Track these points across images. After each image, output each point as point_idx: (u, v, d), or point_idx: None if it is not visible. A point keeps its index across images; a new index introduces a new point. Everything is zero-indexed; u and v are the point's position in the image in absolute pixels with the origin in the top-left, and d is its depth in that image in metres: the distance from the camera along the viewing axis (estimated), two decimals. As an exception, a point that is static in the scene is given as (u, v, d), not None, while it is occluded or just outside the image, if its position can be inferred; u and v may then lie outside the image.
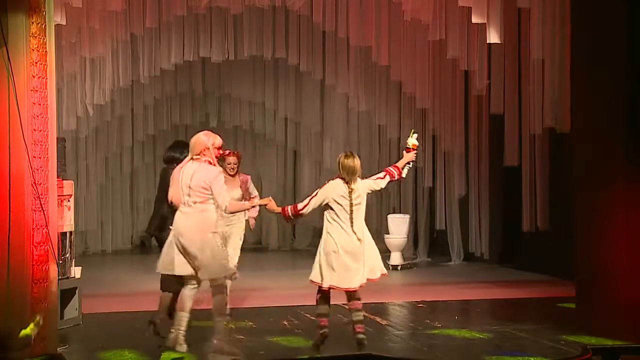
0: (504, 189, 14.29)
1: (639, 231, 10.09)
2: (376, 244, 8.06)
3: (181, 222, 7.24)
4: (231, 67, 16.25)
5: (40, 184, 7.05)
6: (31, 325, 6.36)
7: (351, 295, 7.67)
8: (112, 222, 17.23)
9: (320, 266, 7.55)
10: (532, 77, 11.83)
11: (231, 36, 14.30)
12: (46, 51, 7.21)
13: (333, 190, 7.48)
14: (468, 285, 12.11)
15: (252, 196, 9.29)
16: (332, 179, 7.58)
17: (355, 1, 13.43)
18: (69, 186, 8.79)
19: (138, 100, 16.33)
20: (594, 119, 10.55)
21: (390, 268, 13.82)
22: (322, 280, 7.54)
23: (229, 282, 8.93)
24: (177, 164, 7.64)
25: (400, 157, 8.13)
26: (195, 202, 7.22)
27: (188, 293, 7.32)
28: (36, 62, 7.09)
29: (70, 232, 8.84)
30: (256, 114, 17.35)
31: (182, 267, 7.27)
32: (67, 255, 8.73)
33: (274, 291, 11.07)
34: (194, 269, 7.26)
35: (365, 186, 7.59)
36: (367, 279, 7.73)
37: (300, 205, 7.55)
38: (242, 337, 8.35)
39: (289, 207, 7.61)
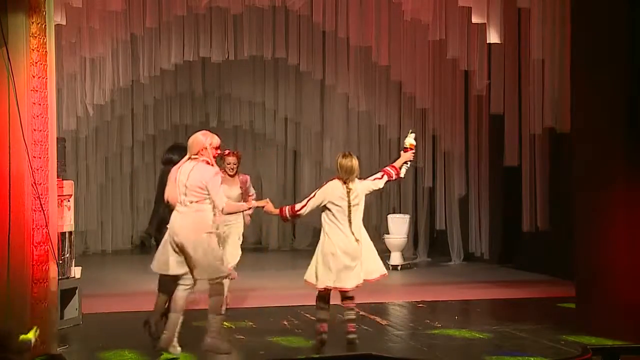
0: (504, 189, 14.29)
1: (638, 231, 10.09)
2: (376, 244, 8.05)
3: (177, 222, 7.23)
4: (231, 67, 16.25)
5: (40, 184, 7.05)
6: (32, 332, 6.35)
7: (345, 294, 7.67)
8: (112, 222, 17.23)
9: (316, 267, 7.54)
10: (532, 77, 11.83)
11: (231, 36, 14.30)
12: (46, 51, 7.21)
13: (331, 191, 7.46)
14: (468, 285, 12.10)
15: (249, 194, 9.27)
16: (331, 180, 7.56)
17: (355, 1, 13.43)
18: (69, 186, 8.79)
19: (138, 100, 16.33)
20: (594, 119, 10.55)
21: (390, 268, 13.81)
22: (316, 281, 7.53)
23: (227, 282, 8.94)
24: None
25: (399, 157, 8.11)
26: (191, 202, 7.19)
27: (180, 294, 7.28)
28: (36, 62, 7.09)
29: (70, 232, 8.83)
30: (256, 114, 17.35)
31: (176, 267, 7.24)
32: (67, 255, 8.73)
33: (274, 291, 11.07)
34: (190, 268, 7.24)
35: (363, 187, 7.58)
36: (364, 280, 7.70)
37: (298, 207, 7.53)
38: (242, 337, 8.35)
39: (287, 207, 7.59)
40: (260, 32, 14.45)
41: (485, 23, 10.91)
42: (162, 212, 7.87)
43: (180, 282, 7.28)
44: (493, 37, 10.93)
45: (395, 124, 15.09)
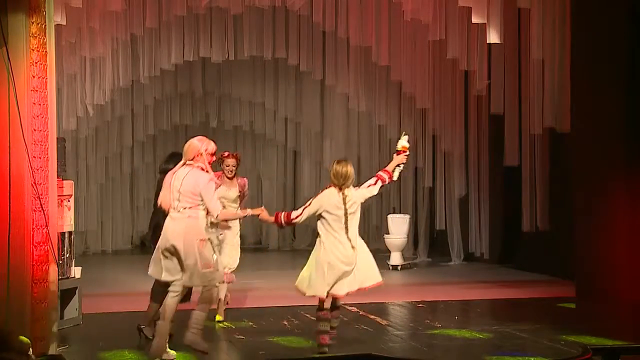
0: (504, 189, 14.29)
1: (638, 231, 10.10)
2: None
3: (169, 227, 7.17)
4: (231, 67, 16.26)
5: (40, 184, 7.04)
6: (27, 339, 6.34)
7: (335, 302, 7.58)
8: (112, 222, 17.23)
9: (310, 274, 7.44)
10: (532, 77, 11.83)
11: (231, 36, 14.29)
12: (46, 51, 7.20)
13: (327, 200, 7.39)
14: (468, 285, 12.10)
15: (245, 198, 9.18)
16: (326, 188, 7.50)
17: (355, 1, 13.43)
18: (69, 186, 8.79)
19: (138, 100, 16.33)
20: (594, 119, 10.57)
21: (390, 268, 13.83)
22: (308, 289, 7.46)
23: (225, 286, 8.95)
24: None
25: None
26: (184, 208, 7.14)
27: (170, 301, 7.20)
28: (36, 62, 7.08)
29: (70, 232, 8.83)
30: (256, 114, 17.35)
31: (167, 274, 7.20)
32: (67, 255, 8.72)
33: (274, 291, 11.07)
34: (179, 275, 7.18)
35: (359, 195, 7.52)
36: (359, 288, 7.62)
37: (293, 215, 7.45)
38: (242, 337, 8.35)
39: (282, 214, 7.51)
40: (260, 32, 14.45)
41: (485, 23, 10.91)
42: (158, 219, 7.77)
43: (170, 288, 7.23)
44: (493, 37, 10.93)
45: (395, 124, 15.10)
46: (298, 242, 17.38)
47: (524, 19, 11.89)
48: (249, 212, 7.70)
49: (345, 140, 16.71)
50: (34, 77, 7.06)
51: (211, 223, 7.23)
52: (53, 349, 7.22)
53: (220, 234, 8.69)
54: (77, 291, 8.82)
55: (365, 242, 7.42)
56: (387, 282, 12.76)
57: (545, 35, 11.18)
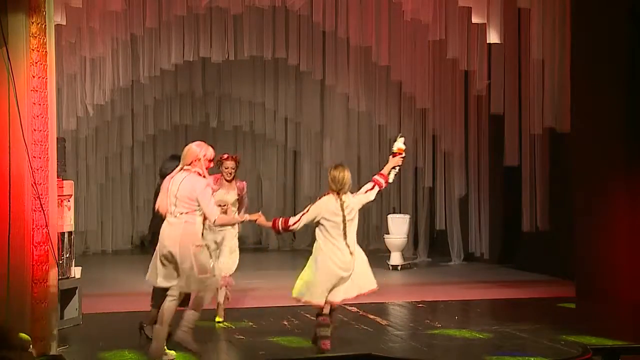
0: (504, 189, 14.29)
1: (638, 231, 10.10)
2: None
3: (165, 232, 7.16)
4: (231, 67, 16.26)
5: (40, 184, 7.04)
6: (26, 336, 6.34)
7: (330, 308, 7.56)
8: (112, 222, 17.24)
9: (307, 281, 7.44)
10: (532, 77, 11.83)
11: (231, 36, 14.29)
12: (46, 51, 7.20)
13: (325, 207, 7.38)
14: (468, 285, 12.10)
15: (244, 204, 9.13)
16: (324, 195, 7.49)
17: (355, 1, 13.43)
18: (69, 186, 8.79)
19: (138, 100, 16.33)
20: (594, 119, 10.57)
21: (390, 268, 13.84)
22: (303, 295, 7.46)
23: (223, 289, 8.95)
24: None
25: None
26: (181, 213, 7.12)
27: (167, 305, 7.18)
28: (36, 62, 7.08)
29: (70, 232, 8.82)
30: (256, 114, 17.36)
31: (164, 280, 7.19)
32: (67, 255, 8.72)
33: (274, 291, 11.07)
34: (175, 281, 7.16)
35: (357, 202, 7.50)
36: (357, 294, 7.61)
37: (291, 221, 7.42)
38: (242, 337, 8.35)
39: (280, 220, 7.48)
40: (260, 32, 14.45)
41: (485, 23, 10.92)
42: (157, 222, 7.75)
43: (169, 292, 7.22)
44: (493, 37, 10.93)
45: (395, 124, 15.09)
46: (298, 242, 17.37)
47: (524, 19, 11.89)
48: (247, 217, 7.69)
49: (345, 140, 16.71)
50: (34, 77, 7.05)
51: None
52: (53, 349, 7.22)
53: (220, 231, 8.70)
54: (77, 291, 8.81)
55: (365, 242, 7.44)
56: (387, 282, 12.85)
57: (545, 35, 11.18)
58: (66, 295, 8.60)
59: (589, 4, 10.67)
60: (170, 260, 7.11)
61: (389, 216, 14.83)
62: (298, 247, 17.11)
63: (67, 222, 8.72)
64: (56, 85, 7.78)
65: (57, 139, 7.62)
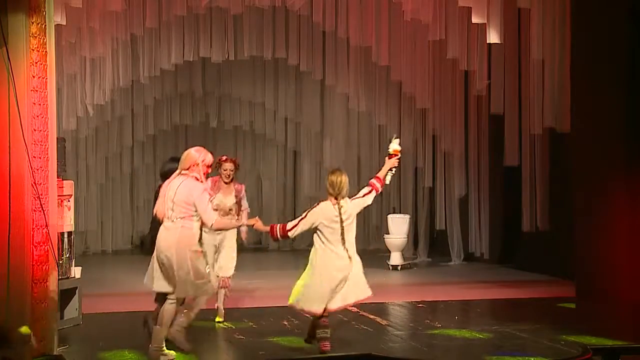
0: (504, 189, 14.29)
1: (638, 231, 10.11)
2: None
3: (162, 237, 7.16)
4: (231, 67, 16.26)
5: (40, 184, 7.04)
6: (25, 328, 6.35)
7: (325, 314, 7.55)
8: (112, 222, 17.24)
9: (305, 288, 7.45)
10: (532, 77, 11.83)
11: (231, 36, 14.30)
12: (46, 51, 7.20)
13: (322, 213, 7.36)
14: (468, 285, 12.10)
15: (243, 208, 9.11)
16: (322, 202, 7.48)
17: (355, 1, 13.44)
18: (69, 186, 8.79)
19: (138, 100, 16.33)
20: (594, 119, 10.57)
21: (390, 268, 13.84)
22: (302, 303, 7.45)
23: (222, 291, 8.96)
24: None
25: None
26: (178, 218, 7.12)
27: (167, 307, 7.18)
28: (36, 62, 7.08)
29: (70, 232, 8.82)
30: (256, 114, 17.36)
31: (160, 284, 7.19)
32: (67, 255, 8.72)
33: (274, 291, 11.07)
34: (172, 285, 7.15)
35: (355, 206, 7.49)
36: (355, 301, 7.59)
37: (289, 226, 7.40)
38: (242, 337, 8.35)
39: (278, 226, 7.46)
40: (260, 32, 14.45)
41: (485, 23, 10.92)
42: (156, 226, 7.74)
43: (169, 295, 7.23)
44: (493, 37, 10.93)
45: (395, 124, 15.09)
46: (298, 242, 17.33)
47: (524, 19, 11.89)
48: (244, 222, 7.70)
49: (345, 140, 16.71)
50: (34, 77, 7.06)
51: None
52: (53, 349, 7.22)
53: (219, 234, 8.70)
54: (77, 291, 8.81)
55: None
56: (387, 282, 12.86)
57: (545, 35, 11.18)
58: (66, 295, 8.60)
59: (589, 4, 10.67)
60: (166, 265, 7.10)
61: (389, 216, 14.83)
62: (298, 247, 17.09)
63: (67, 222, 8.72)
64: (56, 85, 7.79)
65: (57, 139, 7.63)
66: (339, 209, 7.34)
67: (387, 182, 7.72)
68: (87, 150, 16.36)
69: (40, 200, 7.02)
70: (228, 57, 14.37)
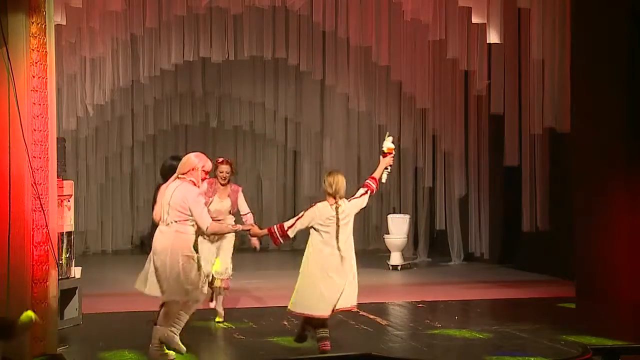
0: (504, 189, 14.29)
1: (638, 231, 10.11)
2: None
3: (157, 241, 7.16)
4: (231, 67, 16.26)
5: (40, 184, 7.04)
6: (26, 314, 6.36)
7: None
8: (112, 222, 17.23)
9: (296, 293, 7.44)
10: (532, 77, 11.84)
11: (231, 36, 14.30)
12: (46, 51, 7.20)
13: (319, 213, 7.37)
14: (468, 285, 12.10)
15: (242, 213, 9.10)
16: (319, 202, 7.49)
17: (355, 1, 13.44)
18: (69, 186, 8.78)
19: (138, 100, 16.33)
20: (594, 119, 10.57)
21: (390, 268, 13.84)
22: (294, 306, 7.44)
23: (220, 298, 8.97)
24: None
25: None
26: (172, 222, 7.11)
27: (166, 308, 7.21)
28: (36, 62, 7.08)
29: (70, 232, 8.82)
30: (256, 114, 17.35)
31: (153, 288, 7.17)
32: (67, 255, 8.71)
33: (274, 291, 11.07)
34: (161, 288, 7.13)
35: (353, 207, 7.50)
36: (350, 307, 7.59)
37: (286, 225, 7.41)
38: (242, 337, 8.35)
39: (276, 226, 7.49)
40: (260, 32, 14.45)
41: (485, 23, 10.92)
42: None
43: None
44: (493, 37, 10.93)
45: (395, 124, 15.09)
46: (298, 242, 17.23)
47: (524, 19, 11.89)
48: (239, 227, 7.70)
49: (345, 140, 16.71)
50: (34, 77, 7.05)
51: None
52: (53, 349, 7.21)
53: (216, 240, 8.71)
54: (77, 291, 8.80)
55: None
56: (387, 282, 12.87)
57: (545, 35, 11.18)
58: (66, 295, 8.58)
59: (589, 4, 10.67)
60: (159, 268, 7.09)
61: (389, 216, 14.84)
62: (298, 247, 17.05)
63: (67, 222, 8.71)
64: (56, 85, 7.78)
65: (57, 139, 7.62)
66: (337, 208, 7.35)
67: (384, 180, 7.73)
68: (87, 150, 16.36)
69: (40, 200, 7.02)
70: (228, 57, 14.37)
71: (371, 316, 9.35)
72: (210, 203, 8.67)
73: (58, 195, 7.70)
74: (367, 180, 7.68)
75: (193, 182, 7.21)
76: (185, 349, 7.26)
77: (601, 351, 7.43)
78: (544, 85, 11.56)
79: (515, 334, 8.38)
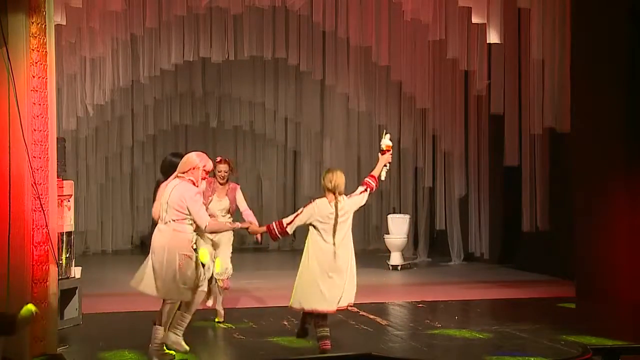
0: (504, 189, 14.29)
1: (638, 231, 10.11)
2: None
3: (155, 239, 7.16)
4: (231, 67, 16.26)
5: (40, 184, 7.04)
6: (27, 308, 6.36)
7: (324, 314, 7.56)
8: (112, 222, 17.24)
9: (294, 288, 7.46)
10: (532, 77, 11.84)
11: (231, 36, 14.30)
12: (46, 51, 7.20)
13: (318, 210, 7.39)
14: (468, 285, 12.10)
15: (242, 209, 9.09)
16: (318, 198, 7.50)
17: (355, 1, 13.44)
18: (69, 186, 8.77)
19: (138, 100, 16.33)
20: (594, 119, 10.57)
21: (390, 268, 13.84)
22: (293, 303, 7.46)
23: (220, 298, 8.97)
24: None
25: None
26: (170, 220, 7.11)
27: (165, 308, 7.21)
28: (36, 62, 7.08)
29: (70, 232, 8.82)
30: (256, 114, 17.36)
31: (148, 285, 7.16)
32: (67, 255, 8.71)
33: (274, 291, 11.07)
34: (157, 285, 7.12)
35: (352, 204, 7.51)
36: (347, 305, 7.60)
37: (285, 222, 7.43)
38: (242, 337, 8.35)
39: (274, 223, 7.51)
40: (260, 32, 14.45)
41: (485, 23, 10.92)
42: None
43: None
44: (493, 37, 10.93)
45: (395, 124, 15.09)
46: (298, 242, 17.32)
47: (524, 19, 11.89)
48: (238, 224, 7.70)
49: (345, 140, 16.71)
50: (34, 77, 7.05)
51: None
52: (53, 349, 7.21)
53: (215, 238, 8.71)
54: (77, 291, 8.79)
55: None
56: (387, 282, 12.87)
57: (545, 35, 11.18)
58: (66, 295, 8.58)
59: (589, 4, 10.67)
60: (156, 267, 7.09)
61: (389, 216, 14.83)
62: (298, 247, 17.06)
63: (67, 222, 8.70)
64: (56, 85, 7.78)
65: (57, 139, 7.62)
66: (336, 205, 7.37)
67: (383, 178, 7.75)
68: (87, 150, 16.36)
69: (40, 200, 7.02)
70: (228, 57, 14.38)
71: (371, 316, 9.36)
72: (209, 203, 8.67)
73: (58, 195, 7.70)
74: (366, 178, 7.69)
75: (192, 181, 7.21)
76: (188, 348, 7.27)
77: (601, 351, 7.42)
78: (544, 85, 11.56)
79: (515, 334, 8.38)
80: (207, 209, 7.60)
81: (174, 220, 7.09)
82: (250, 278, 12.13)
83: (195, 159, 7.29)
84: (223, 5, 13.59)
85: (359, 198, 7.57)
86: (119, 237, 17.34)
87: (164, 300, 7.23)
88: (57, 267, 7.54)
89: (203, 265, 7.41)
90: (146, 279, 7.16)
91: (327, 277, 7.37)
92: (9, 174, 6.85)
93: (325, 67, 15.11)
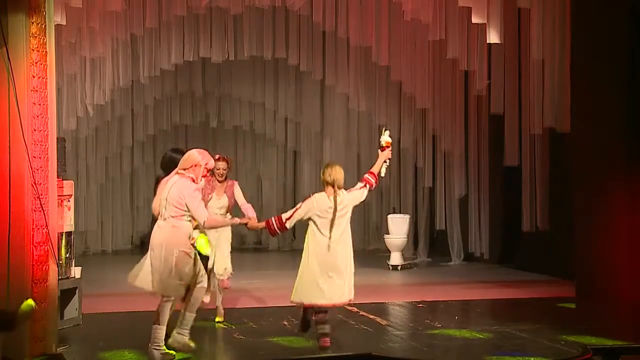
0: (504, 189, 14.29)
1: (638, 231, 10.11)
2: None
3: (154, 235, 7.16)
4: (231, 67, 16.27)
5: (40, 184, 7.04)
6: (26, 303, 6.36)
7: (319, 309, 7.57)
8: (112, 222, 17.24)
9: (296, 282, 7.48)
10: (532, 77, 11.84)
11: (231, 36, 14.30)
12: (46, 51, 7.20)
13: (317, 205, 7.40)
14: (468, 285, 12.10)
15: (240, 204, 9.08)
16: (317, 193, 7.51)
17: (355, 1, 13.44)
18: (69, 186, 8.78)
19: (138, 100, 16.34)
20: (594, 119, 10.57)
21: (390, 268, 13.84)
22: (294, 296, 7.48)
23: (220, 297, 8.97)
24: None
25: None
26: (169, 217, 7.10)
27: (163, 306, 7.20)
28: (36, 62, 7.08)
29: (70, 232, 8.82)
30: (256, 114, 17.37)
31: (144, 280, 7.16)
32: (67, 255, 8.71)
33: (274, 291, 11.07)
34: (152, 283, 7.12)
35: (352, 198, 7.53)
36: (349, 300, 7.62)
37: (284, 217, 7.45)
38: (242, 337, 8.35)
39: (273, 218, 7.52)
40: (260, 32, 14.45)
41: (485, 23, 10.92)
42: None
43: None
44: (493, 37, 10.93)
45: (395, 124, 15.08)
46: (298, 242, 17.34)
47: (524, 19, 11.89)
48: (237, 220, 7.70)
49: (345, 140, 16.71)
50: (34, 77, 7.05)
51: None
52: (53, 349, 7.22)
53: (216, 231, 8.69)
54: (77, 291, 8.81)
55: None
56: (387, 282, 12.87)
57: (545, 35, 11.18)
58: (66, 295, 8.59)
59: (589, 4, 10.67)
60: (154, 263, 7.09)
61: (389, 216, 14.83)
62: (298, 247, 17.05)
63: (67, 222, 8.71)
64: (56, 85, 7.78)
65: (57, 139, 7.62)
66: (335, 198, 7.38)
67: (382, 175, 7.77)
68: (87, 150, 16.37)
69: (40, 200, 7.02)
70: (228, 57, 14.38)
71: (371, 316, 9.35)
72: (208, 201, 8.67)
73: (58, 195, 7.70)
74: (366, 175, 7.70)
75: (192, 178, 7.20)
76: (194, 345, 7.28)
77: (601, 351, 7.43)
78: (544, 85, 11.56)
79: (515, 334, 8.38)
80: (206, 206, 7.60)
81: (173, 217, 7.09)
82: (250, 278, 12.13)
83: (197, 157, 7.27)
84: (223, 5, 13.59)
85: (359, 193, 7.58)
86: (119, 237, 17.34)
87: (160, 298, 7.24)
88: (57, 267, 7.54)
89: (203, 257, 7.37)
90: (142, 274, 7.16)
91: (327, 277, 7.40)
92: (9, 174, 6.85)
93: (325, 67, 15.11)
